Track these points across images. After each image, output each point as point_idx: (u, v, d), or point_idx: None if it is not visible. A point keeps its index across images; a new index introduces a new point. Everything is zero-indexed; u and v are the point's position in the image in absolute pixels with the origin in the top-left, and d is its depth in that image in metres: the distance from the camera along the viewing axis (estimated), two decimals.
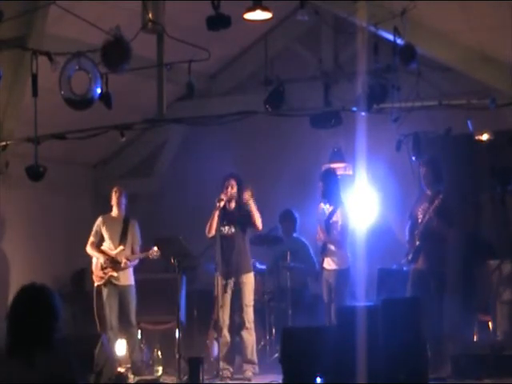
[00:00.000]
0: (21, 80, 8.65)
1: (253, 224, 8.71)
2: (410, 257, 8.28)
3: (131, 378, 8.77)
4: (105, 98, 6.93)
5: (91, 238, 9.37)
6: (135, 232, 9.41)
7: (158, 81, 7.86)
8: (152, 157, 11.97)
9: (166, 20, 7.16)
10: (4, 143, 8.94)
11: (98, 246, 9.36)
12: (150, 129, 10.15)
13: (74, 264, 11.12)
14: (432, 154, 8.75)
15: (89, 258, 9.45)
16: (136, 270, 9.41)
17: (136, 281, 9.34)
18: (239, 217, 8.79)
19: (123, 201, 9.39)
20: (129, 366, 9.13)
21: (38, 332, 3.78)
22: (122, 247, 9.24)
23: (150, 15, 6.95)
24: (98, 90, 6.80)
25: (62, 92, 6.79)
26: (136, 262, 9.35)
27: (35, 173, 7.71)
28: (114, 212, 9.39)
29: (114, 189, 9.41)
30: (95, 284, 9.25)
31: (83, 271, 11.02)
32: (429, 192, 8.34)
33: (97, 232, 9.38)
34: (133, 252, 9.31)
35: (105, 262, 9.18)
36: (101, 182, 11.98)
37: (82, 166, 11.81)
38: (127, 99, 9.73)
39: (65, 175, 10.94)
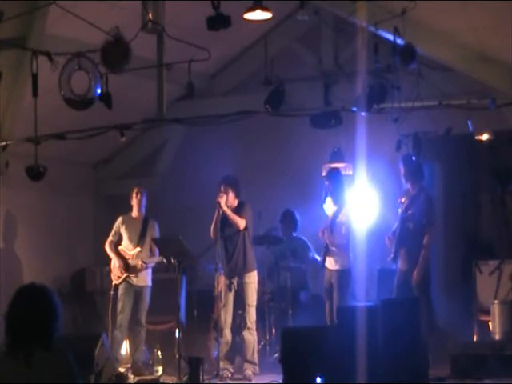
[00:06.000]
0: (21, 80, 8.65)
1: (235, 225, 8.73)
2: (391, 256, 8.32)
3: (131, 377, 8.77)
4: (105, 97, 6.92)
5: (110, 237, 9.40)
6: (154, 233, 9.41)
7: (158, 81, 7.85)
8: (152, 157, 11.96)
9: (165, 20, 7.15)
10: (4, 143, 8.93)
11: (116, 245, 9.36)
12: (150, 129, 10.15)
13: (74, 264, 11.13)
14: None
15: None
16: None
17: None
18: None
19: (143, 202, 9.39)
20: (129, 366, 9.14)
21: (37, 332, 3.77)
22: (138, 248, 9.25)
23: (150, 15, 6.94)
24: (98, 90, 6.80)
25: (62, 92, 6.79)
26: (153, 263, 9.35)
27: (35, 173, 7.70)
28: (134, 213, 9.40)
29: (135, 189, 9.38)
30: (113, 283, 9.26)
31: (83, 271, 11.04)
32: (409, 187, 8.37)
33: (116, 232, 9.40)
34: (151, 252, 9.32)
35: (120, 266, 9.18)
36: (101, 181, 11.99)
37: (82, 166, 11.80)
38: (127, 99, 9.72)
39: (65, 175, 10.94)
